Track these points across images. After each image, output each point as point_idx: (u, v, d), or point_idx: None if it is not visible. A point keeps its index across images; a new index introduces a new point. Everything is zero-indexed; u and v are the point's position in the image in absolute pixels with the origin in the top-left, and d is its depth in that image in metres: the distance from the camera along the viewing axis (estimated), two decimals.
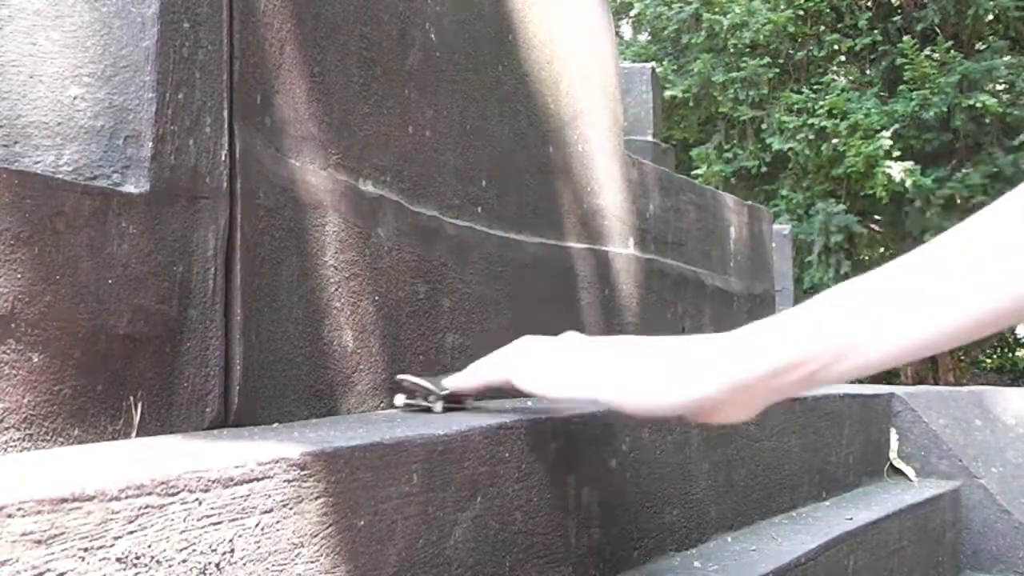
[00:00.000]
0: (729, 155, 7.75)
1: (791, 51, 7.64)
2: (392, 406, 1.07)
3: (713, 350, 0.82)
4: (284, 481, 0.67)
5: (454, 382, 1.01)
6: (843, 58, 7.86)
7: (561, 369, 0.92)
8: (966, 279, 0.68)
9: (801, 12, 7.48)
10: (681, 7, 7.74)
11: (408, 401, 1.03)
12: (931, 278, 0.71)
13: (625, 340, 0.92)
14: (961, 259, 0.69)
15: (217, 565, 0.61)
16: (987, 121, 6.86)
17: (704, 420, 0.85)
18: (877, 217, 7.51)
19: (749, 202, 2.48)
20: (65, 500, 0.51)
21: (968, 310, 0.69)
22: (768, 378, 0.78)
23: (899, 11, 7.53)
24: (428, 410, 1.01)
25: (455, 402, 1.03)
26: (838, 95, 7.01)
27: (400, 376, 1.04)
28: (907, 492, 2.06)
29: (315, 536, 0.69)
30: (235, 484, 0.63)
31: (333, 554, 0.70)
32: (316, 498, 0.69)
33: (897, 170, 6.63)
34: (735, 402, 0.81)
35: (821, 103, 7.06)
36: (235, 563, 0.62)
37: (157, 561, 0.56)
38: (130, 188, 0.79)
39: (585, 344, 0.93)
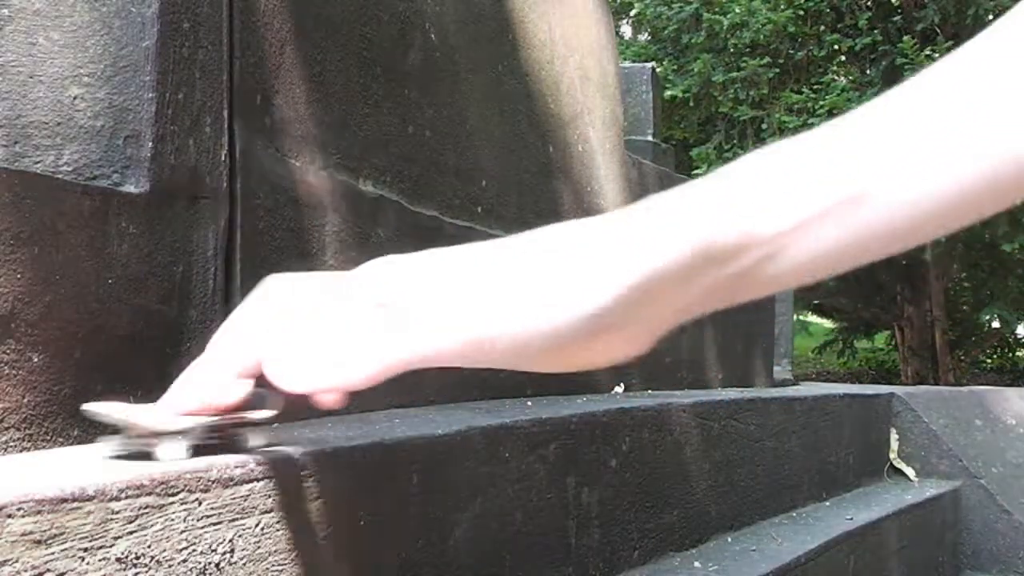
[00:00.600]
0: (729, 155, 7.73)
1: (791, 51, 7.64)
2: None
3: (604, 235, 0.49)
4: (284, 481, 0.67)
5: (185, 398, 0.58)
6: (843, 58, 7.86)
7: (333, 329, 0.53)
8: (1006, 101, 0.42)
9: (801, 12, 7.48)
10: (681, 7, 7.74)
11: (125, 448, 0.61)
12: (955, 104, 0.43)
13: (450, 251, 0.58)
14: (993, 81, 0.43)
15: (217, 565, 0.61)
16: None
17: (579, 361, 0.50)
18: None
19: None
20: (65, 500, 0.51)
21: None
22: (702, 268, 0.46)
23: (899, 11, 7.53)
24: (148, 457, 0.60)
25: (223, 434, 0.63)
26: (838, 95, 7.01)
27: (87, 407, 0.62)
28: (907, 492, 2.06)
29: (315, 536, 0.69)
30: (235, 484, 0.63)
31: (333, 554, 0.70)
32: (316, 498, 0.69)
33: None
34: (638, 320, 0.48)
35: (821, 103, 7.06)
36: (235, 563, 0.62)
37: (157, 561, 0.56)
38: (130, 188, 0.79)
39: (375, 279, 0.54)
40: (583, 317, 0.48)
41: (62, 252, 0.72)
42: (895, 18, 7.53)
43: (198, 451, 0.61)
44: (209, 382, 0.58)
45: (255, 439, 0.66)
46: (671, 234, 0.47)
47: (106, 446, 0.62)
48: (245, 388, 0.57)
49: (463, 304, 0.51)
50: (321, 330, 0.53)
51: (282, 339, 0.55)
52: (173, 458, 0.59)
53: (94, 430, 0.75)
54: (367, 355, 0.52)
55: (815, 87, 7.46)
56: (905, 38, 6.84)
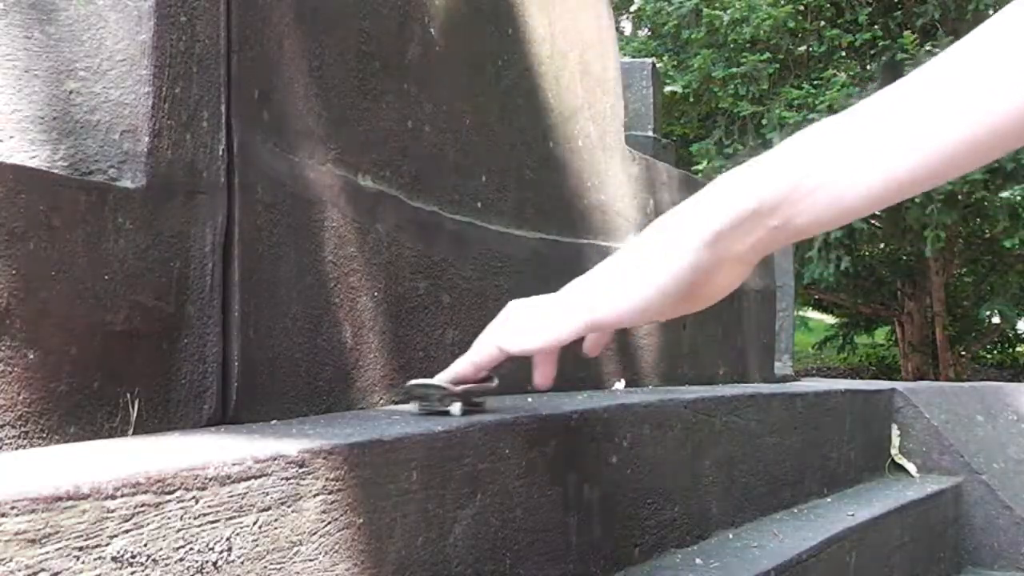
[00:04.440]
0: (729, 151, 7.73)
1: (791, 46, 7.63)
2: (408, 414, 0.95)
3: (678, 218, 0.74)
4: (282, 479, 0.66)
5: (454, 370, 0.92)
6: (843, 53, 7.84)
7: (541, 314, 0.85)
8: (949, 102, 0.61)
9: (801, 7, 7.47)
10: (681, 3, 7.72)
11: (424, 407, 0.92)
12: (909, 106, 0.63)
13: (603, 263, 0.83)
14: (940, 87, 0.62)
15: (215, 564, 0.60)
16: None
17: (694, 303, 0.76)
18: (878, 212, 7.50)
19: None
20: (60, 498, 0.51)
21: (952, 134, 0.61)
22: (749, 224, 0.69)
23: (899, 6, 7.52)
24: (445, 414, 0.91)
25: (472, 405, 0.95)
26: (838, 91, 6.99)
27: (412, 382, 0.94)
28: (909, 488, 2.05)
29: (314, 534, 0.68)
30: (232, 482, 0.62)
31: (332, 552, 0.70)
32: (315, 496, 0.69)
33: None
34: (724, 262, 0.72)
35: (821, 99, 7.05)
36: (232, 562, 0.61)
37: (154, 560, 0.56)
38: (127, 183, 0.78)
39: (568, 286, 0.86)
40: (681, 276, 0.72)
41: (58, 248, 0.71)
42: (895, 13, 7.54)
43: (465, 412, 0.91)
44: (465, 362, 0.90)
45: (489, 403, 0.98)
46: (726, 202, 0.70)
47: (412, 406, 0.93)
48: (484, 363, 0.90)
49: (594, 292, 0.80)
50: (530, 317, 0.86)
51: (511, 326, 0.87)
52: (456, 414, 0.90)
53: (91, 427, 0.74)
54: (562, 325, 0.82)
55: (815, 83, 7.45)
56: (905, 33, 6.83)
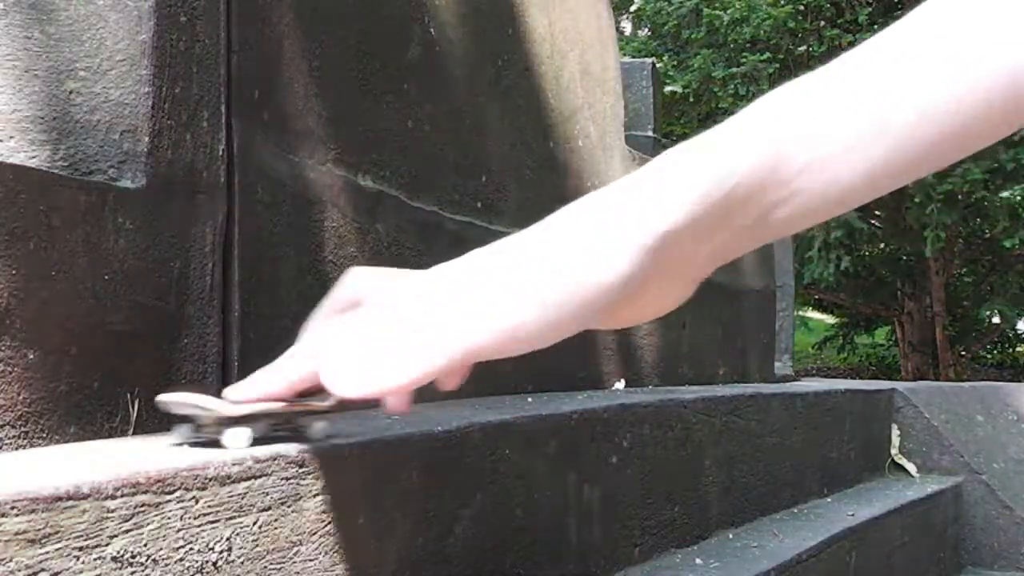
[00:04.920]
0: None
1: (791, 46, 7.64)
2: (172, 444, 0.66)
3: (612, 206, 0.49)
4: (282, 479, 0.66)
5: (256, 383, 0.60)
6: (844, 53, 7.85)
7: (396, 326, 0.52)
8: (967, 52, 0.46)
9: (801, 7, 7.47)
10: (681, 3, 7.73)
11: (194, 437, 0.64)
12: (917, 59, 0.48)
13: (489, 253, 0.52)
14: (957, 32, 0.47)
15: (215, 564, 0.60)
16: None
17: (611, 322, 0.52)
18: (877, 212, 7.51)
19: None
20: (60, 499, 0.51)
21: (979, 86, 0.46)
22: (712, 220, 0.48)
23: (899, 6, 7.53)
24: (215, 444, 0.62)
25: (290, 429, 0.68)
26: None
27: (162, 397, 0.63)
28: (909, 488, 2.05)
29: (314, 534, 0.68)
30: (232, 482, 0.62)
31: (332, 552, 0.70)
32: (315, 496, 0.69)
33: None
34: (668, 274, 0.50)
35: None
36: (232, 562, 0.61)
37: (154, 560, 0.56)
38: (127, 183, 0.78)
39: (439, 276, 0.53)
40: (610, 288, 0.49)
41: (58, 248, 0.71)
42: (895, 13, 7.53)
43: (264, 440, 0.64)
44: (274, 373, 0.60)
45: (318, 429, 0.69)
46: (685, 190, 0.48)
47: (175, 434, 0.65)
48: (303, 379, 0.59)
49: (488, 298, 0.50)
50: (369, 336, 0.53)
51: (336, 341, 0.55)
52: (237, 446, 0.62)
53: (91, 427, 0.74)
54: (407, 361, 0.51)
55: None
56: None
